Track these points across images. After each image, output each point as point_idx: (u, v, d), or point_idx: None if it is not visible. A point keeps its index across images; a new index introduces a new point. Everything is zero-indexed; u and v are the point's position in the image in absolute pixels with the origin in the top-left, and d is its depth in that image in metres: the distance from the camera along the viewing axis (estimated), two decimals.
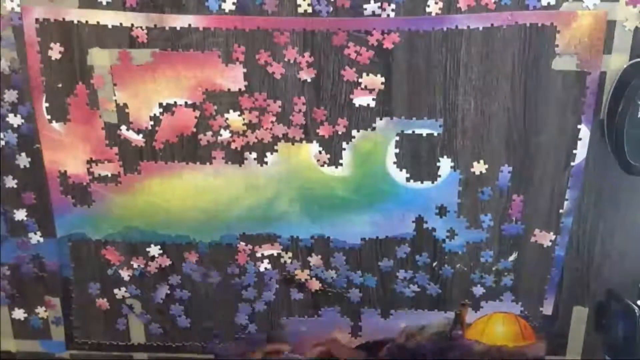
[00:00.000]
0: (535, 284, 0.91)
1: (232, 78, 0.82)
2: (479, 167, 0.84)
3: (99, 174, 0.87)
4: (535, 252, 0.89)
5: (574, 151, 0.83)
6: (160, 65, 0.81)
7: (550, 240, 0.88)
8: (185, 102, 0.83)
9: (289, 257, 0.91)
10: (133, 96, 0.83)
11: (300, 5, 0.78)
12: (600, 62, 0.79)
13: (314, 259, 0.90)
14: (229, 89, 0.82)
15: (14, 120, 0.85)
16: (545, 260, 0.89)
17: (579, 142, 0.82)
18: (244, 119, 0.83)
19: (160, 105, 0.83)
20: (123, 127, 0.85)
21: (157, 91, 0.83)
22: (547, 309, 0.92)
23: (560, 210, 0.86)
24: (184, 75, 0.82)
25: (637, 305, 0.87)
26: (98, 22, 0.80)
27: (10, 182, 0.89)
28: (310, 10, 0.78)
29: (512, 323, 0.93)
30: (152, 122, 0.84)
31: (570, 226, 0.87)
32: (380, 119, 0.83)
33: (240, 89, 0.82)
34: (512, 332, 0.94)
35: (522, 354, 0.95)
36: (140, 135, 0.85)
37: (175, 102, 0.83)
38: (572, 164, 0.83)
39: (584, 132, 0.82)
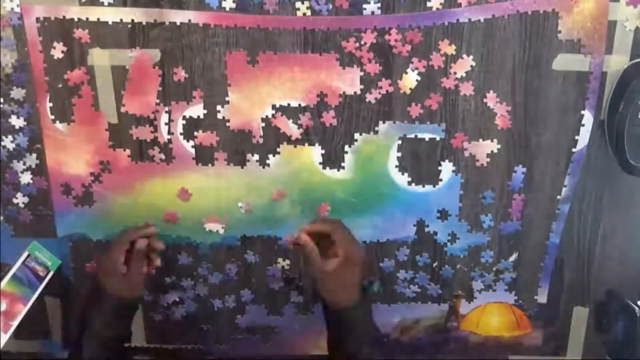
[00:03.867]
0: (530, 273, 0.90)
1: (350, 81, 0.81)
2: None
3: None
4: (534, 249, 0.89)
5: (574, 150, 0.83)
6: (277, 68, 0.80)
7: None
8: (299, 105, 0.83)
9: (289, 260, 0.91)
10: (246, 98, 0.82)
11: (299, 9, 0.78)
12: (603, 46, 0.78)
13: None
14: (344, 92, 0.82)
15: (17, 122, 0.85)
16: (540, 248, 0.89)
17: (579, 142, 0.82)
18: None
19: (274, 107, 0.83)
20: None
21: (270, 93, 0.82)
22: (542, 297, 0.92)
23: (558, 197, 0.85)
24: (300, 77, 0.81)
25: (637, 305, 0.87)
26: (98, 19, 0.79)
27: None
28: (309, 13, 0.78)
29: (506, 313, 0.93)
30: (263, 124, 0.83)
31: (566, 214, 0.86)
32: (383, 123, 0.83)
33: (355, 92, 0.81)
34: (507, 321, 0.94)
35: (519, 344, 0.95)
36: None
37: (289, 104, 0.83)
38: (571, 164, 0.84)
39: (584, 132, 0.82)
